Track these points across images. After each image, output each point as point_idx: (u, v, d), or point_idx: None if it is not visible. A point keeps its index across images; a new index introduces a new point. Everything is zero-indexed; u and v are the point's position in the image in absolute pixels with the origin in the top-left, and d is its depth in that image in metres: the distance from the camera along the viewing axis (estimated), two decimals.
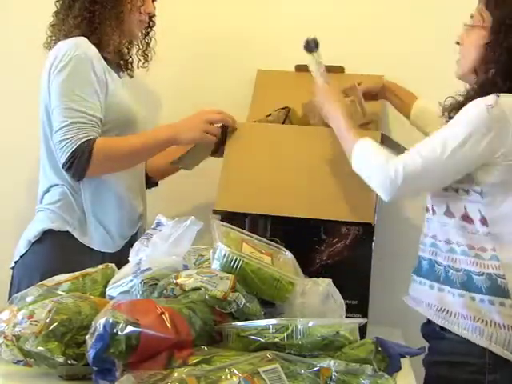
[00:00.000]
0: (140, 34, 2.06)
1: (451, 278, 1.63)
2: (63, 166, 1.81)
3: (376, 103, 2.07)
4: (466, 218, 1.63)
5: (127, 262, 1.55)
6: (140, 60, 2.10)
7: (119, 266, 1.57)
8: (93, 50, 1.88)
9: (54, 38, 1.96)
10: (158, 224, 1.57)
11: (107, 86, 1.89)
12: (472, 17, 1.69)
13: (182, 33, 2.29)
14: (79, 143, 1.78)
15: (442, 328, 1.64)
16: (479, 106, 1.57)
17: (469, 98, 1.63)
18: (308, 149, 1.89)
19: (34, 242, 1.89)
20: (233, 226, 1.64)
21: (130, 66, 2.11)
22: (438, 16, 2.17)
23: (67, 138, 1.79)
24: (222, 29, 2.27)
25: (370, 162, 1.66)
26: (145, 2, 1.98)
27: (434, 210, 1.70)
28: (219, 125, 1.96)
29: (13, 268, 1.93)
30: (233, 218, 1.77)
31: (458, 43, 1.72)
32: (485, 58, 1.63)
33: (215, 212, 1.83)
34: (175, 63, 2.28)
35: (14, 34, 2.34)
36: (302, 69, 2.12)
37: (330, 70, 2.03)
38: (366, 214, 1.81)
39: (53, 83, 1.85)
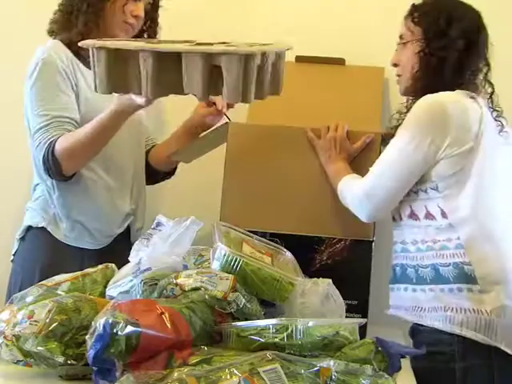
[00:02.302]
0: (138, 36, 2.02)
1: (421, 275, 1.68)
2: (44, 172, 1.85)
3: (376, 100, 2.06)
4: (429, 215, 1.68)
5: (116, 258, 1.59)
6: None
7: (104, 262, 1.61)
8: (61, 53, 1.88)
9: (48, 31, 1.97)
10: (158, 224, 1.57)
11: (78, 86, 1.89)
12: (401, 37, 1.79)
13: (181, 29, 2.28)
14: (44, 148, 1.81)
15: (418, 324, 1.70)
16: (420, 104, 1.67)
17: (412, 103, 1.74)
18: (309, 164, 1.89)
19: (20, 239, 1.96)
20: (233, 226, 1.64)
21: None
22: None
23: (37, 146, 1.83)
24: (221, 17, 2.27)
25: (347, 190, 1.77)
26: (129, 3, 1.93)
27: (400, 216, 1.75)
28: (224, 122, 1.97)
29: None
30: None
31: (395, 65, 1.81)
32: (421, 65, 1.73)
33: None
34: None
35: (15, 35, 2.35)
36: (302, 59, 2.12)
37: (331, 62, 2.03)
38: (366, 230, 1.83)
39: (25, 89, 1.88)
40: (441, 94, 1.67)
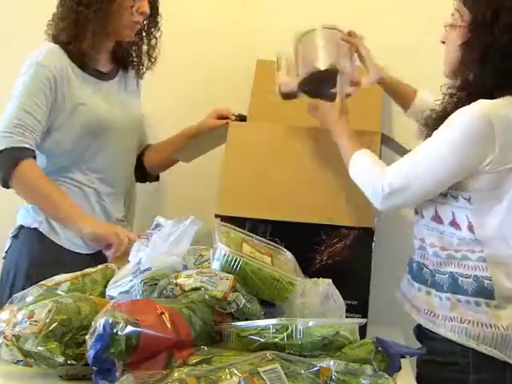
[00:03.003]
0: (138, 36, 2.04)
1: (438, 281, 1.64)
2: None
3: (376, 102, 2.06)
4: (454, 223, 1.63)
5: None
6: (148, 61, 2.10)
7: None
8: (56, 59, 1.89)
9: (46, 40, 1.96)
10: (157, 225, 1.57)
11: (69, 94, 1.89)
12: (452, 15, 1.68)
13: (180, 26, 2.29)
14: (12, 144, 1.81)
15: (430, 330, 1.66)
16: (464, 117, 1.57)
17: (450, 103, 1.64)
18: (309, 152, 1.89)
19: (12, 237, 1.97)
20: (233, 226, 1.64)
21: (133, 67, 2.11)
22: (438, 5, 2.16)
23: (3, 136, 1.82)
24: (221, 19, 2.27)
25: (364, 173, 1.68)
26: (136, 2, 1.94)
27: (422, 214, 1.69)
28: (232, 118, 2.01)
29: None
30: (233, 222, 1.77)
31: (443, 42, 1.71)
32: (462, 58, 1.62)
33: (216, 216, 1.83)
34: (173, 55, 2.28)
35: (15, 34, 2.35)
36: None
37: None
38: (366, 218, 1.82)
39: (15, 84, 1.89)
40: (488, 104, 1.56)
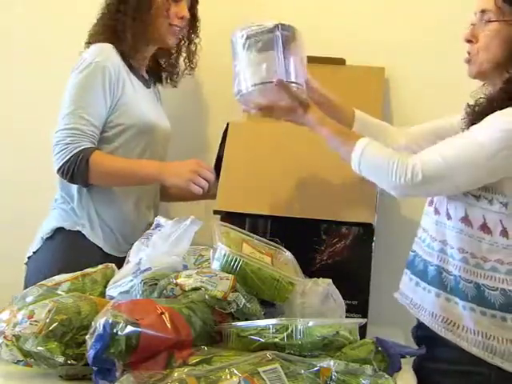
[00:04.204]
0: (180, 40, 2.05)
1: (462, 289, 1.55)
2: (58, 170, 1.85)
3: (376, 100, 2.06)
4: (485, 227, 1.54)
5: None
6: (186, 67, 2.12)
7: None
8: (114, 58, 1.90)
9: (86, 43, 1.99)
10: (158, 225, 1.57)
11: (123, 93, 1.91)
12: (483, 11, 1.58)
13: None
14: (75, 151, 1.83)
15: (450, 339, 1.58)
16: (509, 118, 1.49)
17: (495, 99, 1.55)
18: (308, 148, 1.88)
19: (46, 238, 1.93)
20: (233, 226, 1.64)
21: (170, 75, 2.13)
22: (439, 5, 2.16)
23: (66, 144, 1.84)
24: (221, 18, 2.26)
25: (378, 162, 1.57)
26: (171, 6, 1.95)
27: (449, 215, 1.58)
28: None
29: (26, 264, 1.97)
30: (233, 218, 1.78)
31: (469, 41, 1.61)
32: (508, 54, 1.54)
33: (216, 212, 1.84)
34: None
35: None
36: None
37: (331, 62, 2.03)
38: (366, 214, 1.81)
39: (68, 83, 1.89)
40: None
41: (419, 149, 1.64)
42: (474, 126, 1.54)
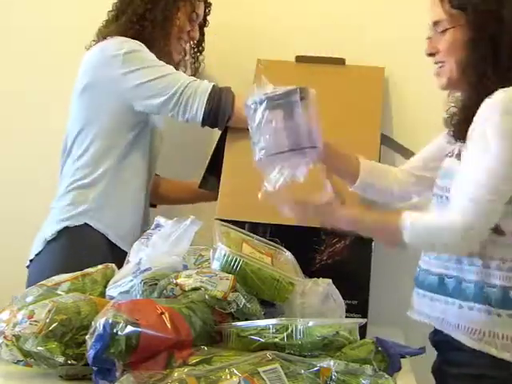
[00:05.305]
0: (183, 58, 2.08)
1: (485, 295, 1.52)
2: (206, 115, 1.88)
3: (376, 100, 2.06)
4: (498, 230, 1.51)
5: None
6: None
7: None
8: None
9: (94, 41, 1.99)
10: (157, 225, 1.57)
11: None
12: (436, 23, 1.59)
13: None
14: (211, 87, 1.89)
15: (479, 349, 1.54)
16: (495, 115, 1.47)
17: (468, 106, 1.54)
18: None
19: (50, 240, 1.91)
20: (233, 226, 1.64)
21: None
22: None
23: (184, 85, 1.86)
24: (222, 18, 2.27)
25: (431, 232, 1.51)
26: (193, 27, 2.02)
27: (502, 231, 1.53)
28: None
29: (28, 267, 1.95)
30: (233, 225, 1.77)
31: (431, 55, 1.61)
32: (469, 54, 1.53)
33: (217, 220, 1.83)
34: None
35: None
36: (302, 60, 2.12)
37: (331, 62, 2.03)
38: None
39: (121, 68, 1.89)
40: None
41: (429, 181, 1.66)
42: (472, 148, 1.50)
